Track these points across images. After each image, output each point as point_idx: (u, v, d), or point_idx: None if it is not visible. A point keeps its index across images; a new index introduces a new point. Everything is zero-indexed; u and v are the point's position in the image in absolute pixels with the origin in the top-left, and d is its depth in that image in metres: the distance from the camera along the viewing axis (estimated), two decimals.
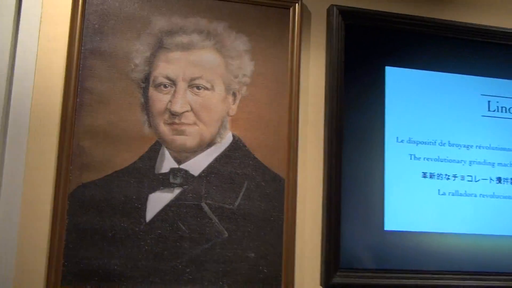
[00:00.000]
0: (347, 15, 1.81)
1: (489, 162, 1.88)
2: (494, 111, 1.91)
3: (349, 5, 1.83)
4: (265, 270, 1.65)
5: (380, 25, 1.85)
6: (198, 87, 1.68)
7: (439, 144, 1.85)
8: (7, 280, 1.51)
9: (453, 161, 1.85)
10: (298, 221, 1.71)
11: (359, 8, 1.84)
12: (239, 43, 1.74)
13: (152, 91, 1.66)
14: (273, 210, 1.68)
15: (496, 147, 1.89)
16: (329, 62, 1.79)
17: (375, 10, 1.85)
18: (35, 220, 1.56)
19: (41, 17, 1.66)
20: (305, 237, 1.72)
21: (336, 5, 1.81)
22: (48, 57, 1.65)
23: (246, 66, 1.74)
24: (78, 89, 1.62)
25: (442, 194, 1.83)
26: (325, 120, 1.78)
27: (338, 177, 1.71)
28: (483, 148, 1.88)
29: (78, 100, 1.62)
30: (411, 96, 1.85)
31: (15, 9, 1.66)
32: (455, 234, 1.81)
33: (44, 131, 1.61)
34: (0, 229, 1.53)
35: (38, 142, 1.60)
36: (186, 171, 1.65)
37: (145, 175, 1.62)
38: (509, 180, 1.88)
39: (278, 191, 1.70)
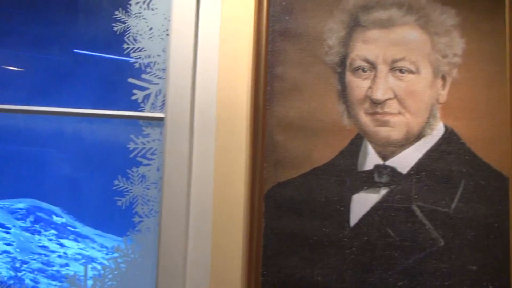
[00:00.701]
0: None
1: None
2: None
3: None
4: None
5: None
6: (401, 70, 1.44)
7: None
8: None
9: None
10: None
11: None
12: (446, 17, 1.47)
13: (349, 76, 1.45)
14: (496, 215, 1.41)
15: None
16: None
17: None
18: (228, 225, 1.41)
19: None
20: None
21: None
22: (232, 42, 1.48)
23: (456, 44, 1.47)
24: (268, 76, 1.44)
25: None
26: None
27: None
28: None
29: (268, 88, 1.44)
30: None
31: None
32: None
33: (232, 125, 1.45)
34: (193, 234, 1.40)
35: (227, 138, 1.44)
36: (393, 169, 1.42)
37: (346, 173, 1.42)
38: None
39: (502, 192, 1.42)
